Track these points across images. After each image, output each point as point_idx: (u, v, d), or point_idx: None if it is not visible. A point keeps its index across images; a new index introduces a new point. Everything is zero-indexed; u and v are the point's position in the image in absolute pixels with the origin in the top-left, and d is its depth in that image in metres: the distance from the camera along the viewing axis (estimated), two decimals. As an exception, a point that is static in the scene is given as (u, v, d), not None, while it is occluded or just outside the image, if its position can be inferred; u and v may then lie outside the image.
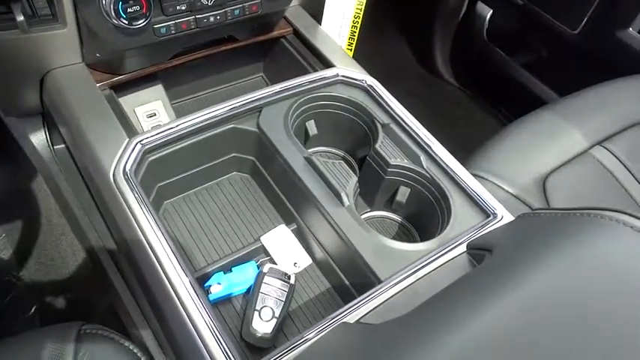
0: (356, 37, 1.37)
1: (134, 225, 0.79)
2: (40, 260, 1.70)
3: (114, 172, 0.92)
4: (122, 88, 1.09)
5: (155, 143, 0.98)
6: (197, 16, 1.04)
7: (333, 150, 1.18)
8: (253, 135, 1.05)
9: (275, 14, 1.21)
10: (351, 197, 0.89)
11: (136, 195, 0.82)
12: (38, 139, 1.17)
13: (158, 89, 1.25)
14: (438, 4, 2.06)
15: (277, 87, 1.10)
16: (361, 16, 1.34)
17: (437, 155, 0.94)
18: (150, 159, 1.00)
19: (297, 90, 1.06)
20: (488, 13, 1.86)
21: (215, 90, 1.34)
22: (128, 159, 0.94)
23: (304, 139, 1.10)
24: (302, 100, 1.05)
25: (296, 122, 1.07)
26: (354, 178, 0.92)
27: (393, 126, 1.07)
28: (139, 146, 0.96)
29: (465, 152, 1.26)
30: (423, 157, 0.94)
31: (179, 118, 1.03)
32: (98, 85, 1.08)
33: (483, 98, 2.11)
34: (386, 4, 2.44)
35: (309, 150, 1.06)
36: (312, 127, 1.13)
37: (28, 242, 1.72)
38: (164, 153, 1.02)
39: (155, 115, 1.24)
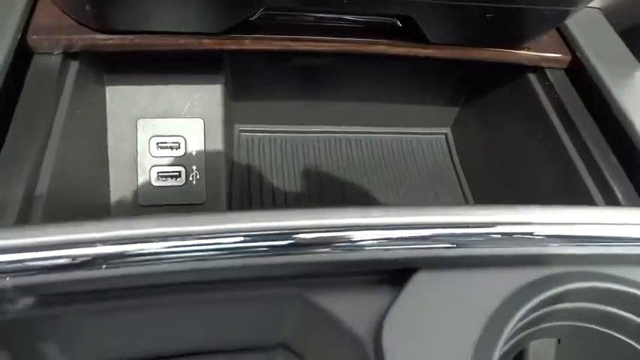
0: None
1: None
2: None
3: None
4: (125, 67, 0.54)
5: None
6: None
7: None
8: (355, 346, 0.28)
9: (545, 16, 0.44)
10: None
11: None
12: None
13: (211, 91, 0.55)
14: None
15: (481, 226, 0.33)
16: None
17: None
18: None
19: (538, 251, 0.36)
20: None
21: (338, 132, 0.69)
22: None
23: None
24: (557, 292, 0.35)
25: (512, 341, 0.35)
26: None
27: None
28: None
29: None
30: None
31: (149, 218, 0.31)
32: (34, 36, 0.42)
33: None
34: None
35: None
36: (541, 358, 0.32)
37: None
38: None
39: (179, 147, 0.54)
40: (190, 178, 0.54)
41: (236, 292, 0.36)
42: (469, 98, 0.67)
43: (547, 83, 0.53)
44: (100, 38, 0.45)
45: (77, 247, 0.29)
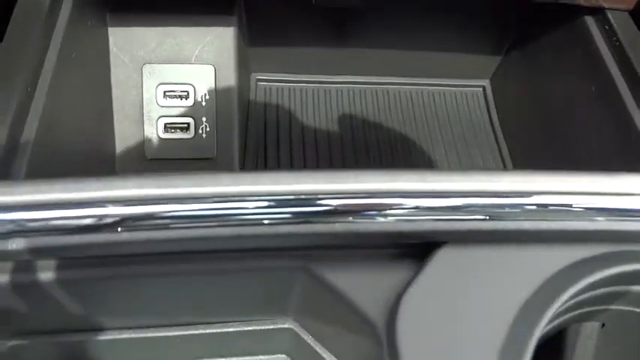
0: None
1: None
2: None
3: None
4: (130, 7, 0.49)
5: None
6: None
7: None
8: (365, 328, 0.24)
9: None
10: None
11: None
12: None
13: (223, 35, 0.50)
14: None
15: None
16: None
17: None
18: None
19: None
20: None
21: (364, 83, 0.61)
22: None
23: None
24: (607, 275, 0.29)
25: (548, 326, 0.29)
26: None
27: None
28: None
29: None
30: None
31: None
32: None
33: None
34: None
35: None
36: (582, 343, 0.27)
37: None
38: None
39: (187, 97, 0.50)
40: (200, 131, 0.50)
41: (238, 262, 0.32)
42: (512, 46, 0.59)
43: (607, 27, 0.46)
44: (94, -30, 0.40)
45: (89, 207, 0.26)
